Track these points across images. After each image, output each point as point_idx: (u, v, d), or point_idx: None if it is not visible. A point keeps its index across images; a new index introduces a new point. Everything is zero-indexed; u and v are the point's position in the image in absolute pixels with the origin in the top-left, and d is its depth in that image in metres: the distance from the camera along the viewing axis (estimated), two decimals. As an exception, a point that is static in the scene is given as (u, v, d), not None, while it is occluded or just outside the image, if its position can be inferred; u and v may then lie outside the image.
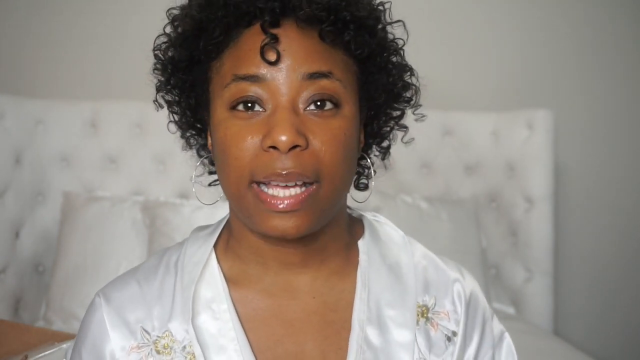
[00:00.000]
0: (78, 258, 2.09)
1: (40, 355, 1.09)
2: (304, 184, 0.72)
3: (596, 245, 2.52)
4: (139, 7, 2.36)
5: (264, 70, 0.72)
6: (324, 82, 0.73)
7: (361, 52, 0.76)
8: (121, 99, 2.37)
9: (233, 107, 0.74)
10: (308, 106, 0.73)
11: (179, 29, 0.79)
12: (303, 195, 0.72)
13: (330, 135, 0.73)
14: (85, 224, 2.14)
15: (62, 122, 2.31)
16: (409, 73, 0.84)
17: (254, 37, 0.74)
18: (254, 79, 0.72)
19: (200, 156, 0.88)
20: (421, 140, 2.45)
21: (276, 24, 0.73)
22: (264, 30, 0.73)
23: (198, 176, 0.88)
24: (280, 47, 0.72)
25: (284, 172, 0.71)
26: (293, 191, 0.72)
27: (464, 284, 0.85)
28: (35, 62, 2.41)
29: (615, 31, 2.49)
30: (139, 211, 2.15)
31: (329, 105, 0.73)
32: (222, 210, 0.85)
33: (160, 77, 0.83)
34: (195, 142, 0.88)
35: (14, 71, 2.41)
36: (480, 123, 2.42)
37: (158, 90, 0.84)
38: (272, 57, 0.72)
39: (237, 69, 0.73)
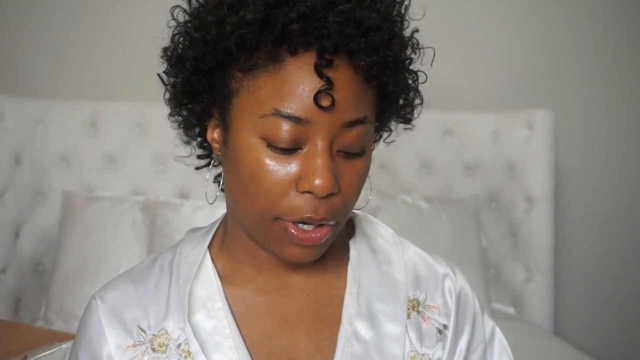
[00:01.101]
0: (78, 258, 2.09)
1: (40, 355, 1.09)
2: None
3: (596, 245, 2.52)
4: (140, 8, 2.36)
5: (310, 114, 0.70)
6: (359, 129, 0.72)
7: (395, 91, 0.77)
8: (121, 99, 2.37)
9: (268, 142, 0.72)
10: (340, 149, 0.73)
11: (209, 37, 0.73)
12: (325, 232, 0.74)
13: (355, 177, 0.74)
14: (85, 224, 2.14)
15: (62, 122, 2.32)
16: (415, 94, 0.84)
17: (302, 74, 0.70)
18: (298, 121, 0.70)
19: (195, 140, 0.85)
20: (421, 140, 2.47)
21: (330, 65, 0.70)
22: (319, 72, 0.69)
23: (185, 157, 0.87)
24: (335, 94, 0.70)
25: (317, 218, 0.72)
26: (319, 232, 0.73)
27: (454, 279, 0.86)
28: (35, 62, 2.42)
29: (615, 31, 2.49)
30: (139, 211, 2.15)
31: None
32: (223, 210, 0.85)
33: (167, 65, 0.80)
34: (188, 127, 0.84)
35: (14, 71, 2.41)
36: (480, 123, 2.43)
37: (166, 84, 0.81)
38: (326, 103, 0.69)
39: (281, 104, 0.70)
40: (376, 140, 0.86)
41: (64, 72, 2.43)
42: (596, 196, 2.51)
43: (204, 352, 0.77)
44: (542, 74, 2.50)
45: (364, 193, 0.80)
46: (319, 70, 0.69)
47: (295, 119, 0.70)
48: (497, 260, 2.42)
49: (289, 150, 0.71)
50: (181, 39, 0.78)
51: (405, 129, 0.87)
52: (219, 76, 0.75)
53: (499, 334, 0.88)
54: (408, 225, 2.14)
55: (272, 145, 0.71)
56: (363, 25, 0.70)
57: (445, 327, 0.83)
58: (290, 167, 0.71)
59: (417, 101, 0.83)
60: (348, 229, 0.88)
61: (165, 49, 0.80)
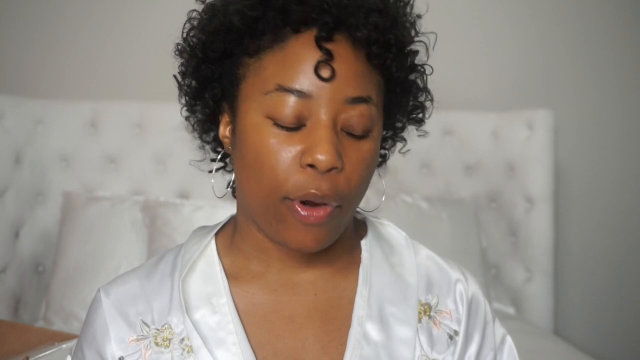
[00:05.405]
0: (78, 258, 2.09)
1: (40, 355, 1.09)
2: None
3: (596, 245, 2.52)
4: (140, 8, 2.37)
5: (312, 87, 0.71)
6: (363, 108, 0.73)
7: (399, 76, 0.77)
8: (121, 99, 2.37)
9: (272, 119, 0.73)
10: (344, 127, 0.73)
11: (215, 20, 0.76)
12: (328, 210, 0.73)
13: (360, 159, 0.74)
14: (85, 224, 2.14)
15: (62, 122, 2.32)
16: (425, 94, 0.85)
17: (304, 49, 0.72)
18: (300, 94, 0.71)
19: (209, 144, 0.86)
20: (421, 140, 2.47)
21: (330, 38, 0.72)
22: (319, 45, 0.71)
23: (199, 161, 0.88)
24: (336, 66, 0.71)
25: (320, 194, 0.71)
26: (322, 210, 0.73)
27: (466, 285, 0.86)
28: (35, 62, 2.42)
29: (615, 31, 2.49)
30: (139, 211, 2.15)
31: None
32: (223, 210, 0.85)
33: (182, 61, 0.82)
34: (203, 130, 0.86)
35: (14, 71, 2.41)
36: (480, 123, 2.43)
37: (183, 76, 0.83)
38: (326, 74, 0.71)
39: (283, 79, 0.72)
40: (388, 148, 0.87)
41: (64, 72, 2.43)
42: (596, 196, 2.51)
43: (206, 347, 0.76)
44: (542, 74, 2.50)
45: (372, 193, 0.79)
46: (319, 43, 0.71)
47: (297, 92, 0.71)
48: (497, 260, 2.42)
49: (293, 127, 0.72)
50: (192, 31, 0.80)
51: (419, 135, 0.88)
52: (228, 64, 0.77)
53: (509, 341, 0.87)
54: (408, 225, 2.13)
55: (277, 123, 0.72)
56: (365, 5, 0.73)
57: (456, 333, 0.83)
58: (294, 144, 0.72)
59: (427, 102, 0.84)
60: (360, 229, 0.87)
61: (177, 44, 0.81)
